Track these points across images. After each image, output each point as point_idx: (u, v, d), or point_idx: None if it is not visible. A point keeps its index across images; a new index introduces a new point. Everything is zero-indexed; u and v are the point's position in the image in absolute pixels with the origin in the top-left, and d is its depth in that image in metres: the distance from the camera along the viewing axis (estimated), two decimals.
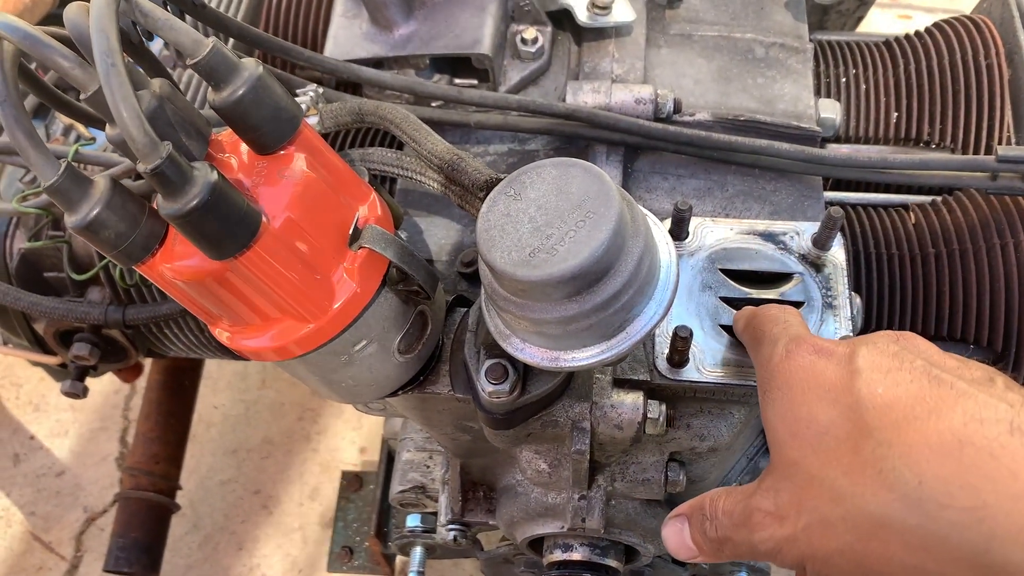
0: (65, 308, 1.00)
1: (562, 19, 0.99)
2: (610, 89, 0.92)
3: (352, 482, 1.59)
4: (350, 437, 1.82)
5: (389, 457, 1.40)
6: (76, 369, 1.09)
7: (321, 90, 0.78)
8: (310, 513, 1.73)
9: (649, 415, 0.76)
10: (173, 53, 1.15)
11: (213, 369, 1.90)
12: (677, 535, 0.64)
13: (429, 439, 1.07)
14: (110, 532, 1.40)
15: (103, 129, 0.81)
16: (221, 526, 1.74)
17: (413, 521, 1.17)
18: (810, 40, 1.03)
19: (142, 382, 1.58)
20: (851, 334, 0.77)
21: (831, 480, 0.50)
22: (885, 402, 0.49)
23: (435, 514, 1.15)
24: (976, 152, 1.00)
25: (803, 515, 0.52)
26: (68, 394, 1.10)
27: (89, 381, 1.14)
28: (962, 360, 0.52)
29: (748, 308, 0.71)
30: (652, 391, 0.78)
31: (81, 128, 1.04)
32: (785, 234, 0.83)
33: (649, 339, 0.77)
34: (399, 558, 1.55)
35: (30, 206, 0.96)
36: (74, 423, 1.86)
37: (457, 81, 0.96)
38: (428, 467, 1.07)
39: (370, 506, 1.46)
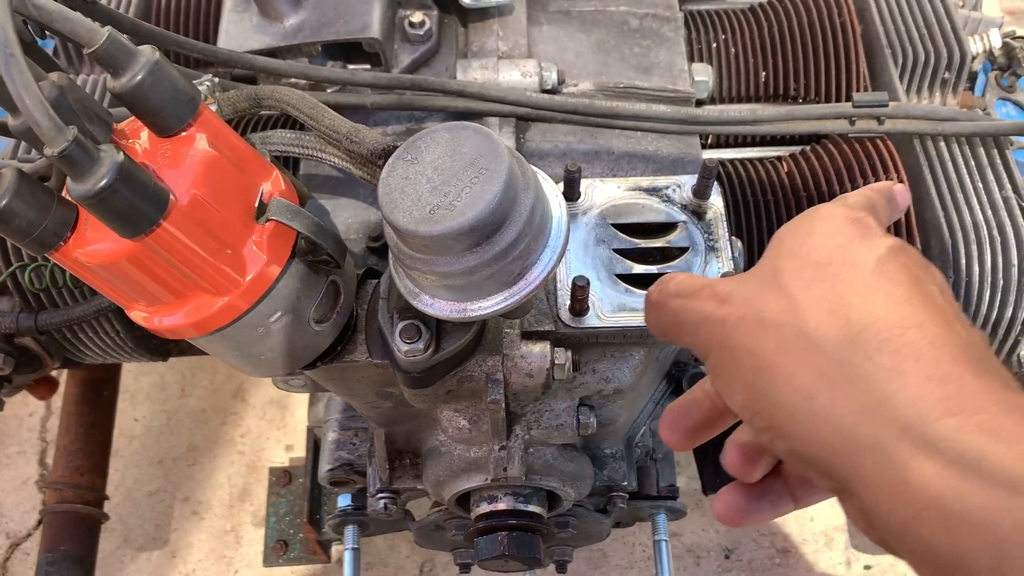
0: None
1: (447, 2, 1.04)
2: (497, 65, 0.97)
3: (281, 477, 1.60)
4: (275, 436, 1.83)
5: (315, 446, 1.42)
6: None
7: (216, 79, 0.81)
8: (242, 514, 1.74)
9: (556, 362, 0.82)
10: (64, 61, 1.15)
11: (130, 382, 1.88)
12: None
13: (353, 418, 1.10)
14: (37, 552, 1.39)
15: None
16: (153, 536, 1.73)
17: (344, 501, 1.20)
18: (680, 10, 1.10)
19: (58, 403, 1.56)
20: (733, 272, 0.84)
21: (795, 298, 0.49)
22: (882, 272, 0.48)
23: (365, 492, 1.19)
24: (839, 103, 1.08)
25: (746, 309, 0.50)
26: None
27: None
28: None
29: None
30: (558, 340, 0.83)
31: None
32: (668, 187, 0.89)
33: (549, 289, 0.83)
34: (335, 546, 1.58)
35: None
36: None
37: (350, 67, 0.99)
38: (355, 444, 1.10)
39: (301, 497, 1.48)
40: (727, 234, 0.86)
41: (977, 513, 0.38)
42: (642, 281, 0.84)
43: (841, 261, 0.49)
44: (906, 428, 0.41)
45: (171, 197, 0.59)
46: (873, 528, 0.44)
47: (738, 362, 0.50)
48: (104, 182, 0.55)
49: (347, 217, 0.92)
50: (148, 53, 0.59)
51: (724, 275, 0.79)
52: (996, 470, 0.38)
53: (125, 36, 0.75)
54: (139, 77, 0.59)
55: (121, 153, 0.56)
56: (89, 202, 0.56)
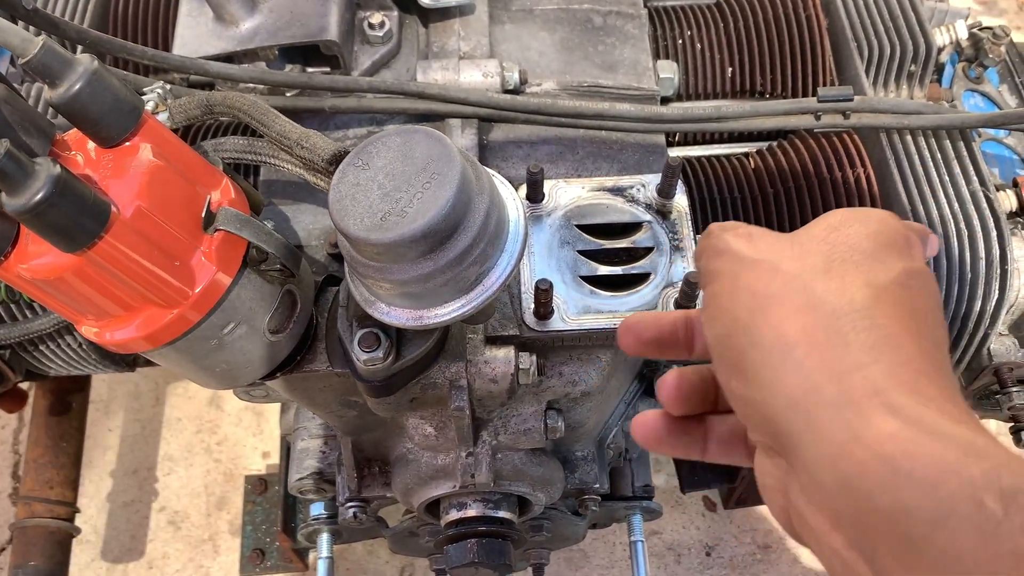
0: None
1: (408, 3, 1.02)
2: (458, 66, 0.96)
3: (256, 485, 1.58)
4: (251, 444, 1.81)
5: (288, 454, 1.41)
6: None
7: (168, 87, 0.79)
8: (219, 523, 1.72)
9: (521, 366, 0.81)
10: (20, 70, 1.13)
11: (104, 392, 1.86)
12: None
13: (322, 426, 1.09)
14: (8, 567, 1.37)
15: None
16: (128, 548, 1.71)
17: (317, 509, 1.19)
18: (645, 6, 1.09)
19: (29, 414, 1.54)
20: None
21: (816, 263, 0.50)
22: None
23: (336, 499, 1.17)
24: (805, 97, 1.07)
25: (768, 254, 0.51)
26: None
27: None
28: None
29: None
30: (523, 344, 0.82)
31: None
32: (632, 187, 0.88)
33: (513, 293, 0.82)
34: (312, 554, 1.56)
35: None
36: None
37: (309, 70, 0.98)
38: (324, 453, 1.08)
39: (276, 505, 1.47)
40: (692, 233, 0.85)
41: (925, 470, 0.39)
42: (607, 283, 0.83)
43: (874, 257, 0.50)
44: (871, 393, 0.43)
45: (113, 209, 0.58)
46: (798, 489, 0.45)
47: (736, 296, 0.51)
48: (39, 196, 0.53)
49: (308, 223, 0.91)
50: (86, 62, 0.58)
51: (687, 276, 0.78)
52: (949, 433, 0.40)
53: (77, 46, 0.74)
54: (76, 87, 0.57)
55: (58, 166, 0.55)
56: (25, 216, 0.54)
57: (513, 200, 0.69)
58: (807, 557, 1.69)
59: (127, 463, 1.80)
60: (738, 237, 0.54)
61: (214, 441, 1.82)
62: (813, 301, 0.47)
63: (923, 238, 0.59)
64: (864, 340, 0.45)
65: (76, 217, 0.56)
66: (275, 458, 1.79)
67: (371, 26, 0.98)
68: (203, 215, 0.64)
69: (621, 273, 0.84)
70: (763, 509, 1.71)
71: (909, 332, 0.46)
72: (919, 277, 0.51)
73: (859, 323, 0.46)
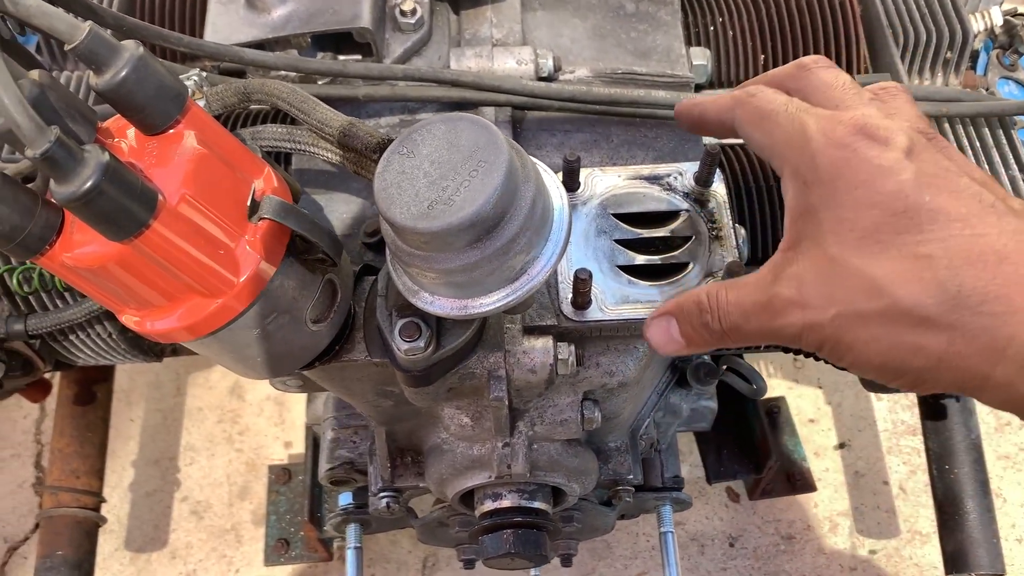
0: None
1: None
2: (491, 53, 0.95)
3: (280, 475, 1.59)
4: (273, 433, 1.81)
5: (314, 443, 1.41)
6: None
7: (204, 74, 0.78)
8: (241, 512, 1.72)
9: (559, 357, 0.80)
10: (47, 58, 1.13)
11: (125, 382, 1.86)
12: (663, 332, 0.67)
13: (352, 416, 1.09)
14: (35, 556, 1.37)
15: None
16: (151, 537, 1.71)
17: (345, 499, 1.19)
18: None
19: (52, 404, 1.54)
20: (737, 260, 0.82)
21: (874, 277, 0.52)
22: (933, 209, 0.52)
23: (366, 489, 1.17)
24: None
25: (834, 306, 0.54)
26: None
27: None
28: (993, 181, 0.56)
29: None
30: (561, 334, 0.82)
31: None
32: (669, 175, 0.87)
33: (551, 282, 0.81)
34: (336, 543, 1.56)
35: None
36: None
37: (341, 58, 0.97)
38: (355, 443, 1.08)
39: (301, 495, 1.47)
40: (731, 222, 0.84)
41: None
42: (644, 272, 0.82)
43: (883, 217, 0.53)
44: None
45: (160, 197, 0.57)
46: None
47: (858, 352, 0.54)
48: (89, 184, 0.53)
49: (342, 212, 0.90)
50: (132, 48, 0.57)
51: (729, 265, 0.78)
52: None
53: (108, 31, 0.73)
54: (123, 73, 0.56)
55: (106, 153, 0.54)
56: (74, 205, 0.54)
57: (557, 188, 0.68)
58: (831, 547, 1.68)
59: (149, 453, 1.81)
60: (790, 313, 0.56)
61: (236, 431, 1.82)
62: (919, 316, 0.51)
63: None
64: (992, 312, 0.49)
65: (124, 205, 0.55)
66: (297, 448, 1.79)
67: (403, 13, 0.97)
68: (248, 203, 0.63)
69: (659, 263, 0.83)
70: (787, 500, 1.70)
71: (1001, 264, 0.49)
72: (923, 161, 0.53)
73: (968, 302, 0.49)
